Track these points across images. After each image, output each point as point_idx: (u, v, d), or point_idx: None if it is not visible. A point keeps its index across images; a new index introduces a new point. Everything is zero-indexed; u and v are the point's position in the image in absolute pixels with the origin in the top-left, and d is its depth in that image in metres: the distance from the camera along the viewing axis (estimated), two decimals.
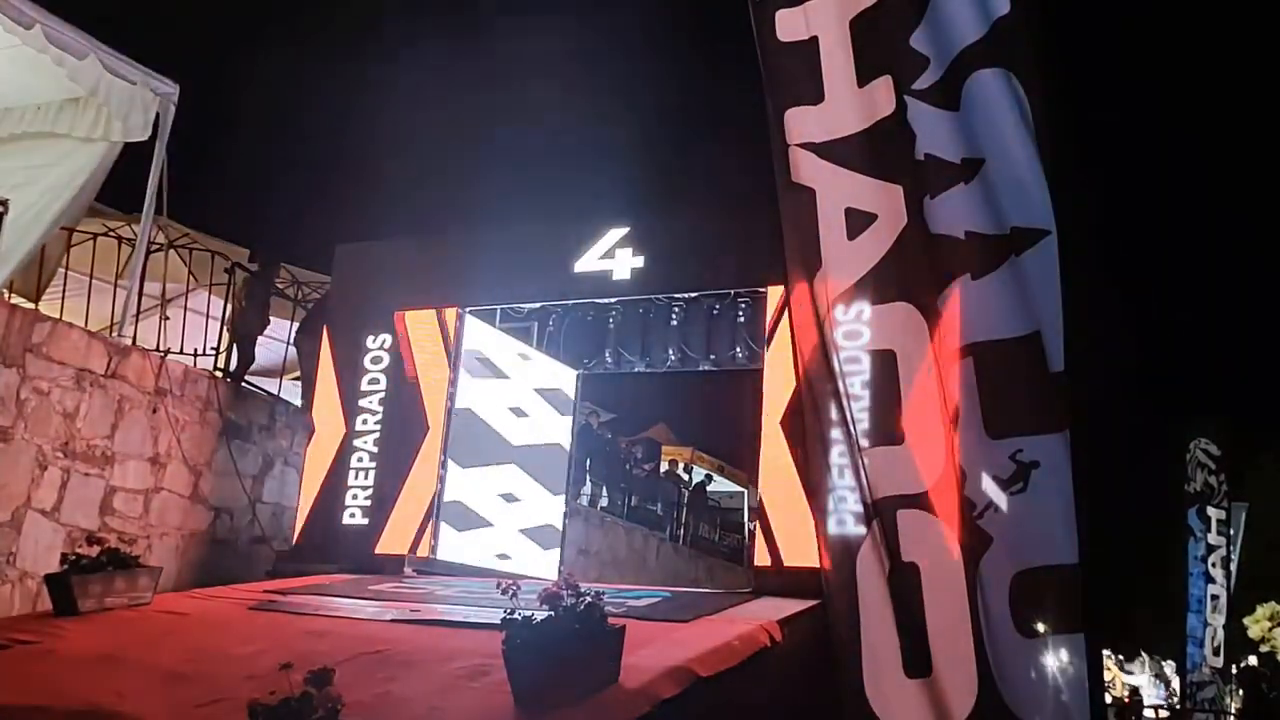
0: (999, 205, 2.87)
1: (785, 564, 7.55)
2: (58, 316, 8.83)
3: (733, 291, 9.17)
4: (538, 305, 10.25)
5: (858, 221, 3.11)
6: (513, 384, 10.36)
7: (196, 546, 9.25)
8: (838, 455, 3.04)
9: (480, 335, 9.93)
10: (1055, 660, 2.52)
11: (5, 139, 9.98)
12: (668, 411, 21.12)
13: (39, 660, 5.44)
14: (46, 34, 8.70)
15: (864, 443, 2.96)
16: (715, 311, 9.73)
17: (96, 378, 8.52)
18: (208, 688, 4.91)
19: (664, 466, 18.48)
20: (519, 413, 10.44)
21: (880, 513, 2.90)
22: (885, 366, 2.98)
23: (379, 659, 5.37)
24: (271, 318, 12.03)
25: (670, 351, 10.42)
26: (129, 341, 9.15)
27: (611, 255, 9.25)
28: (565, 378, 11.04)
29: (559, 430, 11.00)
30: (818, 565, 7.09)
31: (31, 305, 9.30)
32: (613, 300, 9.70)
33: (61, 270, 10.37)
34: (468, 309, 9.75)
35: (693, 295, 9.14)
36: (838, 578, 2.95)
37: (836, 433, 3.05)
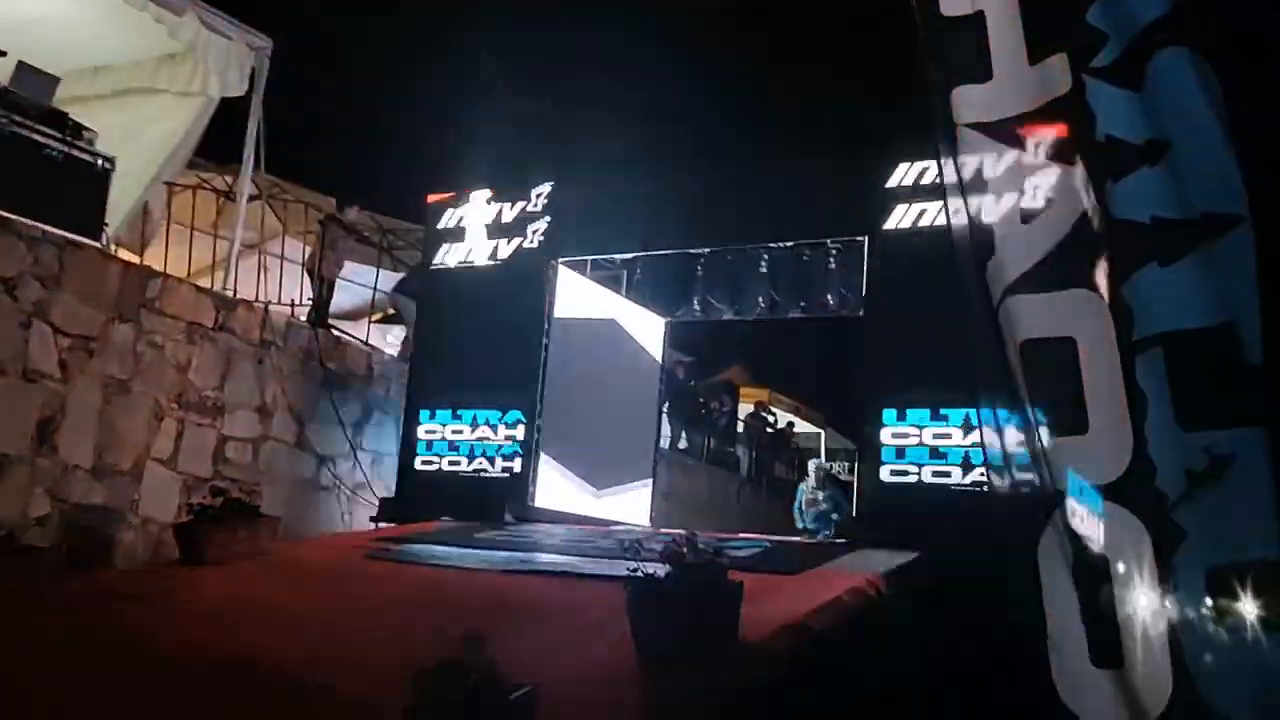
0: (1188, 190, 2.79)
1: (884, 516, 7.61)
2: (160, 267, 9.08)
3: (827, 241, 9.11)
4: (628, 255, 10.28)
5: (1032, 205, 3.07)
6: (602, 331, 10.44)
7: (303, 493, 9.55)
8: (1014, 444, 3.02)
9: (571, 284, 10.00)
10: (1257, 655, 2.52)
11: (107, 95, 10.17)
12: (745, 352, 21.05)
13: (176, 611, 5.67)
14: None
15: (1044, 433, 2.94)
16: (805, 258, 9.68)
17: (206, 331, 8.77)
18: (342, 640, 5.08)
19: (746, 409, 18.49)
20: (608, 359, 10.54)
21: (1064, 503, 2.89)
22: (1065, 355, 2.95)
23: (500, 611, 5.49)
24: (352, 262, 12.26)
25: (760, 299, 10.41)
26: (234, 295, 9.39)
27: (703, 202, 9.27)
28: (654, 325, 11.12)
29: (647, 377, 11.10)
30: (918, 518, 7.18)
31: (136, 258, 9.58)
32: (704, 250, 9.70)
33: (163, 222, 10.65)
34: (559, 259, 9.82)
35: (788, 244, 9.07)
36: (1018, 563, 2.93)
37: (1012, 422, 3.03)
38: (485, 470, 9.43)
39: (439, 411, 9.68)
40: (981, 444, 3.17)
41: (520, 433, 9.37)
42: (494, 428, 9.47)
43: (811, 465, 12.38)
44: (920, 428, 7.53)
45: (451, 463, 9.53)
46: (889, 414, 7.66)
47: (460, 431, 9.55)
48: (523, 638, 5.12)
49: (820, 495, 12.12)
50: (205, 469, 8.65)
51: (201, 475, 8.55)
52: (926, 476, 7.47)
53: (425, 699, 3.40)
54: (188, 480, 8.45)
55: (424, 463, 9.62)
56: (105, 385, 7.91)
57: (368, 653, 4.81)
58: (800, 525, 11.47)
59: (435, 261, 10.18)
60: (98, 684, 4.41)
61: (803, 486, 11.94)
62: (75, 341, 7.71)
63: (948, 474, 7.35)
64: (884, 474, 7.64)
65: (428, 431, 9.70)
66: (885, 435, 7.67)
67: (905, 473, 7.58)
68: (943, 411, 7.42)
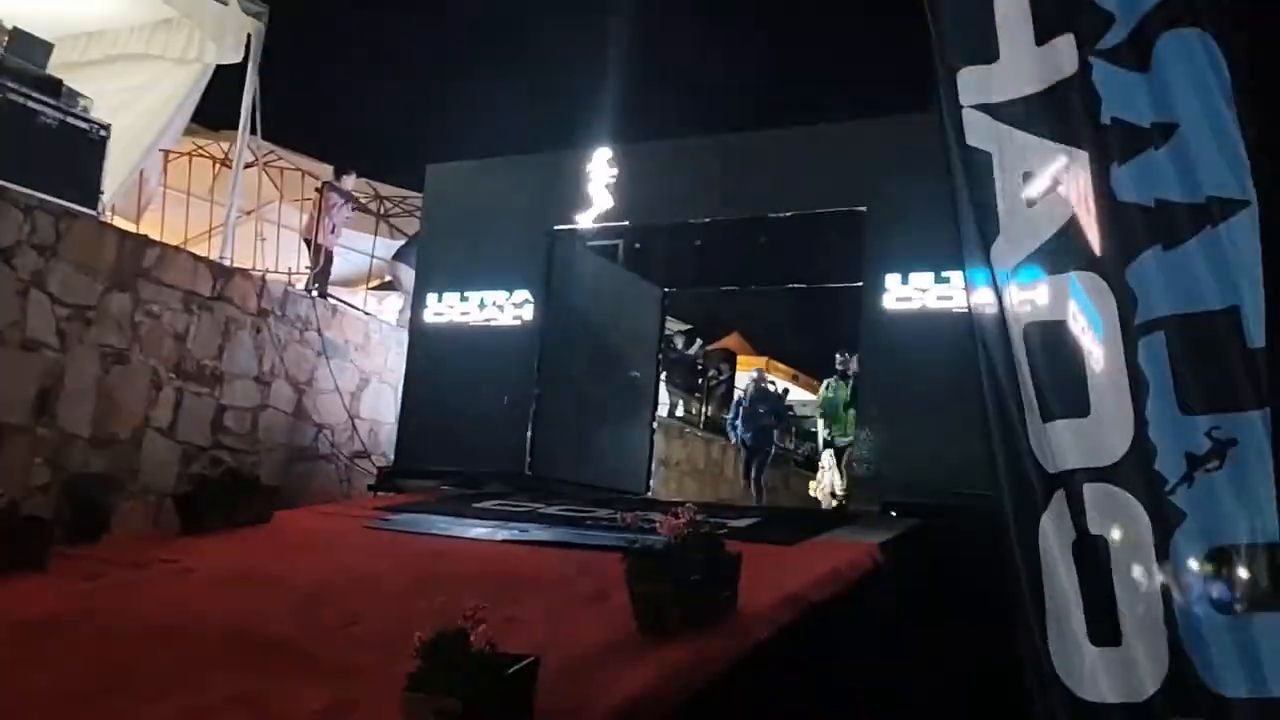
0: (1194, 173, 2.78)
1: (884, 486, 7.65)
2: (156, 234, 9.04)
3: (824, 211, 9.07)
4: (625, 223, 10.23)
5: (1037, 187, 3.05)
6: (600, 301, 10.43)
7: (301, 462, 9.57)
8: (1016, 425, 3.02)
9: (568, 253, 9.97)
10: (1253, 637, 2.55)
11: (100, 60, 10.09)
12: (742, 320, 21.11)
13: (181, 580, 5.70)
14: None
15: (1047, 414, 2.94)
16: (804, 229, 9.65)
17: (204, 300, 8.76)
18: (343, 609, 5.11)
19: (746, 376, 18.54)
20: (606, 328, 10.53)
21: (1065, 484, 2.90)
22: (1068, 337, 2.95)
23: (498, 581, 5.51)
24: (349, 230, 12.24)
25: (757, 269, 10.42)
26: (231, 263, 9.37)
27: (701, 172, 9.22)
28: (651, 295, 11.11)
29: (644, 346, 11.10)
30: (917, 487, 7.21)
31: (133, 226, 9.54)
32: (703, 220, 9.67)
33: (160, 189, 10.61)
34: (555, 228, 9.78)
35: (786, 215, 9.04)
36: (1018, 540, 2.95)
37: (1015, 403, 3.03)
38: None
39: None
40: (984, 423, 3.16)
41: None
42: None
43: (749, 377, 12.44)
44: None
45: (449, 431, 9.53)
46: None
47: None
48: (523, 608, 5.17)
49: (761, 410, 12.15)
50: (204, 438, 8.66)
51: (200, 444, 8.58)
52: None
53: (427, 669, 3.44)
54: (187, 449, 8.47)
55: (421, 431, 9.61)
56: (104, 355, 7.91)
57: (368, 622, 4.85)
58: (734, 440, 11.49)
59: None
60: (98, 653, 4.45)
61: (739, 397, 12.00)
62: (73, 311, 7.71)
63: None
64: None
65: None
66: None
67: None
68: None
